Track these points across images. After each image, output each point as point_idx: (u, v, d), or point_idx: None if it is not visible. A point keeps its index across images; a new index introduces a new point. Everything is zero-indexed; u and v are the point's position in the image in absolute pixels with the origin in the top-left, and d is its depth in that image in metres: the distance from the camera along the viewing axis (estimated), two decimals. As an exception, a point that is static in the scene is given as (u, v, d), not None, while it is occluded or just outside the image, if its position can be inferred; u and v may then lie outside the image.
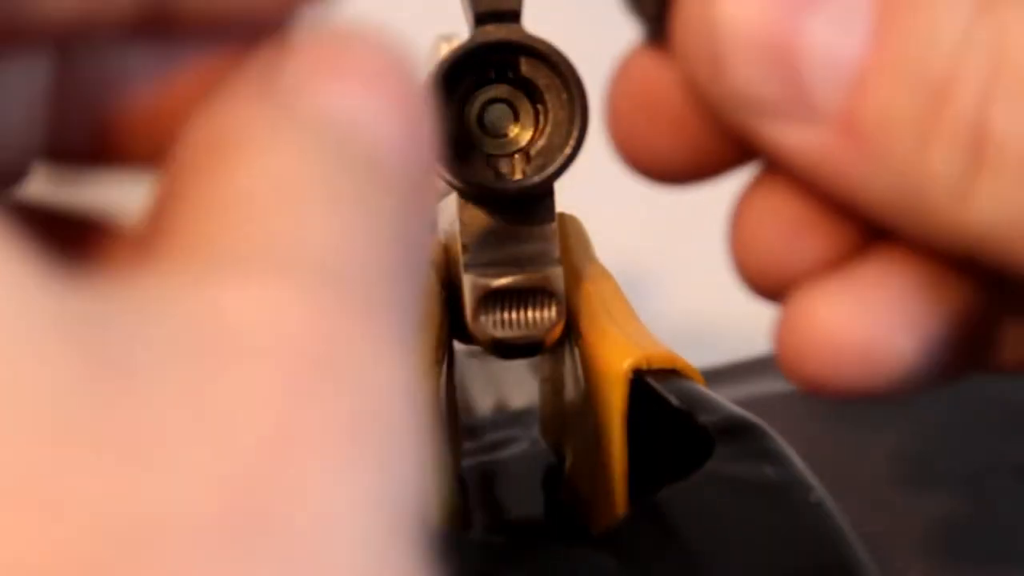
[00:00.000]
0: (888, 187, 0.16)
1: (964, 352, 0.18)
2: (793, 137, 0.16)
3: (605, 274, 0.34)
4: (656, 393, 0.30)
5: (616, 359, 0.31)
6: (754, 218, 0.18)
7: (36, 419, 0.10)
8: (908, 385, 0.18)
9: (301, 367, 0.11)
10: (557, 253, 0.31)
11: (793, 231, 0.18)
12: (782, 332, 0.18)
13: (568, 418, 0.35)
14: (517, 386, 0.47)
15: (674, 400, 0.29)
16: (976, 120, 0.16)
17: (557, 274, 0.31)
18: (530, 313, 0.31)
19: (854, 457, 0.47)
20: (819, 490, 0.27)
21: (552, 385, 0.37)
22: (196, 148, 0.14)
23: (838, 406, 0.51)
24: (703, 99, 0.17)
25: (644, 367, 0.30)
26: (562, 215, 0.34)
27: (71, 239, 0.16)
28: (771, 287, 0.18)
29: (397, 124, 0.14)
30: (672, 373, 0.30)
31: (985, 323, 0.18)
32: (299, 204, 0.13)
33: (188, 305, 0.12)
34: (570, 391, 0.34)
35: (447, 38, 0.34)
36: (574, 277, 0.33)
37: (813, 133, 0.16)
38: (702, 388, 0.30)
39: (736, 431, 0.28)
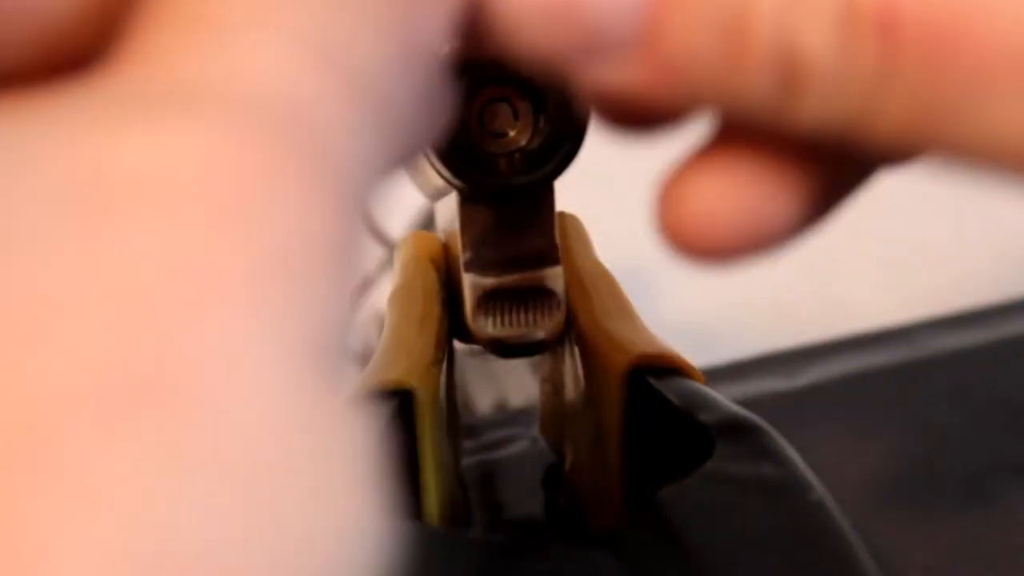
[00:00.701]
0: (712, 108, 0.16)
1: (844, 186, 0.18)
2: (604, 77, 0.16)
3: (605, 274, 0.34)
4: (656, 392, 0.30)
5: (616, 358, 0.31)
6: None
7: None
8: (793, 239, 0.17)
9: (200, 215, 0.11)
10: (557, 253, 0.31)
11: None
12: (663, 214, 0.17)
13: (568, 417, 0.35)
14: (517, 386, 0.47)
15: (674, 399, 0.29)
16: (781, 45, 0.15)
17: (557, 274, 0.31)
18: (530, 313, 0.31)
19: (854, 457, 0.47)
20: (819, 490, 0.27)
21: (552, 385, 0.37)
22: None
23: (838, 406, 0.50)
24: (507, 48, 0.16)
25: (644, 366, 0.30)
26: (562, 215, 0.34)
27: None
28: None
29: None
30: (672, 372, 0.30)
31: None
32: (264, 27, 0.12)
33: (83, 151, 0.11)
34: (570, 390, 0.34)
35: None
36: (574, 277, 0.33)
37: (624, 71, 0.16)
38: (702, 387, 0.30)
39: (736, 431, 0.28)
